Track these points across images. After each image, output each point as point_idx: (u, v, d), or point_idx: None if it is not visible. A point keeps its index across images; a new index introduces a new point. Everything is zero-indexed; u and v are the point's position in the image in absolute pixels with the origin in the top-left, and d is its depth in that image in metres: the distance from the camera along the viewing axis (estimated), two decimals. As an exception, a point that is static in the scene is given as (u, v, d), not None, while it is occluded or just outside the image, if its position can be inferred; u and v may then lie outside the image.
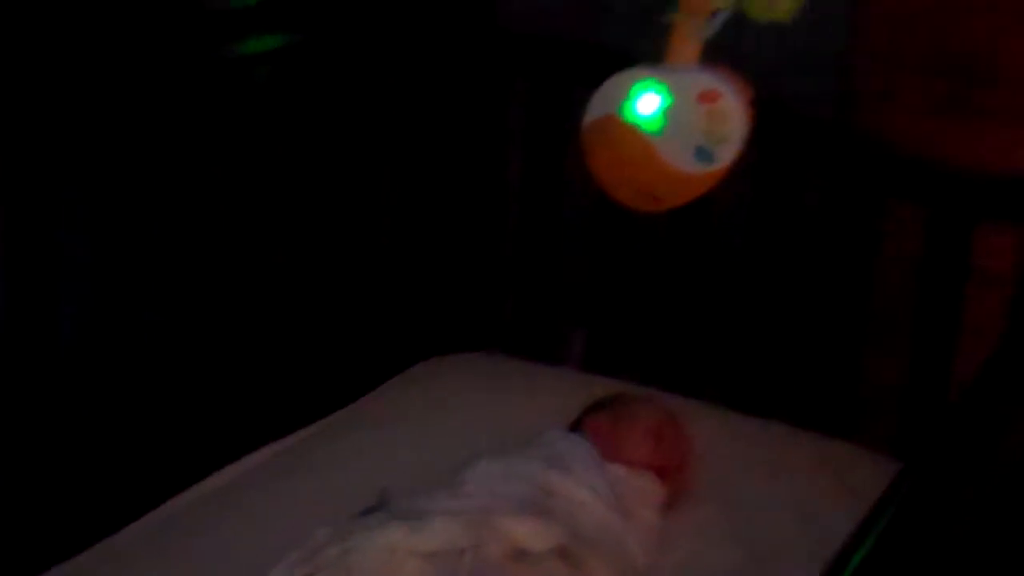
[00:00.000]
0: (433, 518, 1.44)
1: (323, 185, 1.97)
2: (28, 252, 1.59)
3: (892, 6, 1.99)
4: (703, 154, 1.31)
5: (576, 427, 1.71)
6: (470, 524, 1.44)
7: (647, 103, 1.32)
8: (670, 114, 1.31)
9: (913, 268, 1.88)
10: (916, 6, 1.99)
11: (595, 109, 1.36)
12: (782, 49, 1.33)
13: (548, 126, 2.08)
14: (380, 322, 2.10)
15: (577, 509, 1.52)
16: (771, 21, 1.28)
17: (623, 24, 2.17)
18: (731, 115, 1.29)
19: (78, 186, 1.62)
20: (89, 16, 1.58)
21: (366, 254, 2.06)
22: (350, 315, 2.05)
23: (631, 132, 1.32)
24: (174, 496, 1.70)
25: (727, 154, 1.31)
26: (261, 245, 1.89)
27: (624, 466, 1.61)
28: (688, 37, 1.32)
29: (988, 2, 1.94)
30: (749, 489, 1.71)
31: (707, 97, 1.30)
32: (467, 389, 1.95)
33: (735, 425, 1.88)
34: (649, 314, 2.14)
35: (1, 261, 1.56)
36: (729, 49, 1.32)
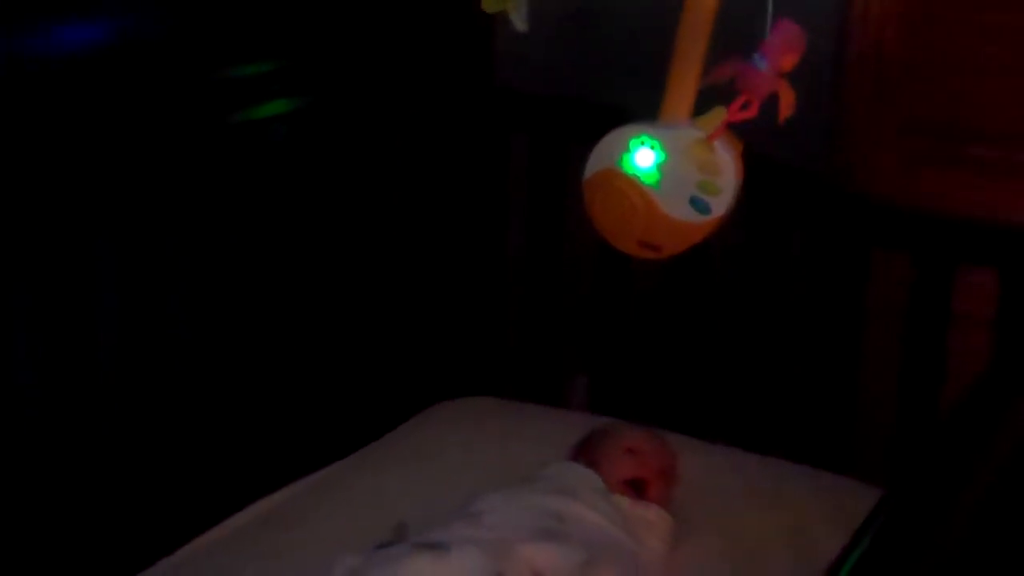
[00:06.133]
0: (454, 548, 1.49)
1: (335, 237, 2.04)
2: (63, 305, 1.66)
3: (873, 66, 2.09)
4: (698, 204, 1.38)
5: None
6: (490, 553, 1.49)
7: (644, 156, 1.39)
8: (666, 167, 1.38)
9: (901, 311, 1.95)
10: (896, 67, 2.09)
11: (595, 162, 1.43)
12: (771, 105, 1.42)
13: (549, 178, 2.16)
14: (392, 369, 2.17)
15: (590, 531, 1.58)
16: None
17: (617, 81, 2.27)
18: (723, 167, 1.36)
19: (110, 244, 1.70)
20: (118, 90, 1.67)
21: (377, 305, 2.14)
22: (364, 363, 2.12)
23: (631, 183, 1.38)
24: (196, 536, 1.77)
25: (721, 204, 1.37)
26: (281, 297, 1.96)
27: (628, 497, 1.68)
28: (681, 95, 1.41)
29: (965, 63, 2.04)
30: (749, 520, 1.77)
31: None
32: (476, 431, 2.01)
33: (734, 460, 1.95)
34: (650, 357, 2.22)
35: (38, 312, 1.64)
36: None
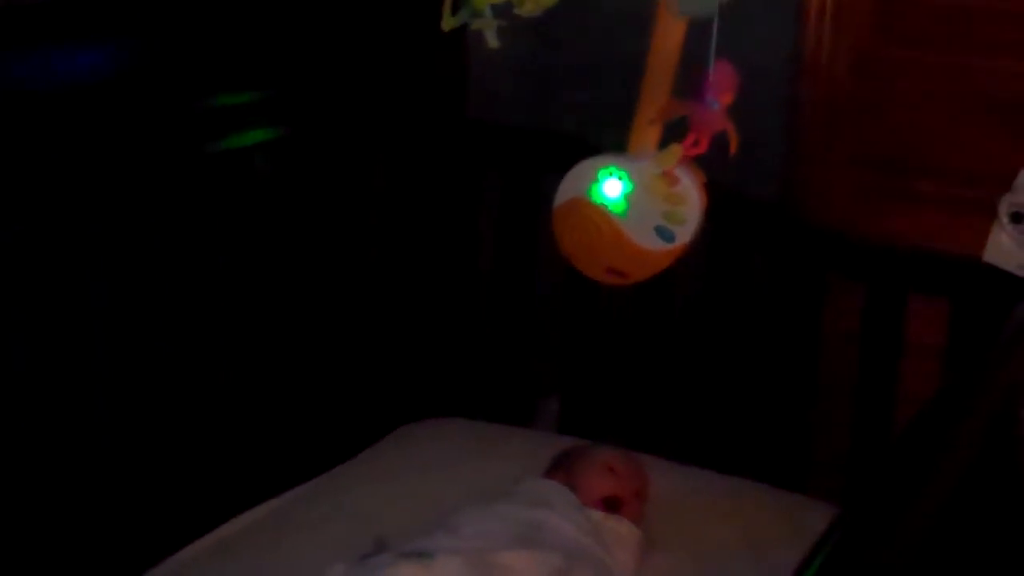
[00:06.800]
0: (437, 556, 1.55)
1: (312, 263, 2.09)
2: (58, 328, 1.71)
3: (823, 102, 2.17)
4: (664, 233, 1.42)
5: None
6: (472, 561, 1.55)
7: (612, 187, 1.44)
8: (632, 197, 1.43)
9: (854, 340, 2.01)
10: (844, 103, 2.17)
11: (564, 192, 1.47)
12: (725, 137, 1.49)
13: (519, 206, 2.22)
14: (364, 390, 2.21)
15: (565, 541, 1.64)
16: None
17: (585, 114, 2.34)
18: (687, 197, 1.41)
19: (98, 267, 1.74)
20: (101, 119, 1.71)
21: (353, 328, 2.18)
22: (340, 383, 2.16)
23: (599, 213, 1.43)
24: (179, 549, 1.81)
25: (685, 233, 1.42)
26: (260, 320, 2.01)
27: (601, 512, 1.74)
28: (648, 128, 1.47)
29: (913, 100, 2.13)
30: (713, 536, 1.83)
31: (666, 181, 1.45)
32: (449, 450, 2.06)
33: (697, 479, 2.01)
34: (618, 380, 2.27)
35: (35, 335, 1.68)
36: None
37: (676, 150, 1.40)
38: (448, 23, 1.36)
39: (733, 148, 1.39)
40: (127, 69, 1.75)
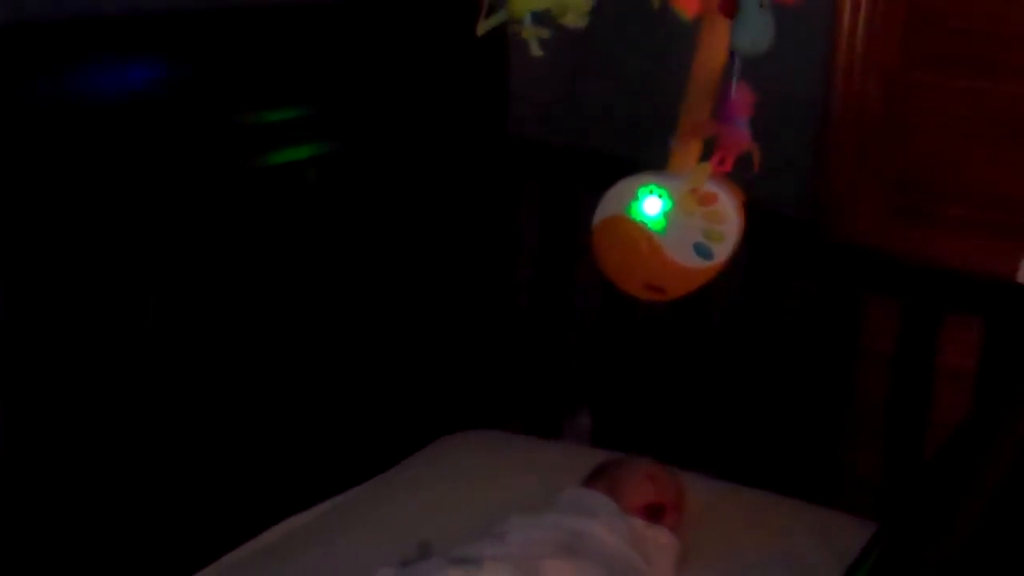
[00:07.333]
0: (486, 563, 1.58)
1: (360, 277, 2.11)
2: (111, 340, 1.74)
3: (854, 125, 2.19)
4: (702, 250, 1.45)
5: None
6: (519, 569, 1.57)
7: (652, 204, 1.46)
8: (672, 215, 1.45)
9: (888, 361, 2.03)
10: (875, 126, 2.18)
11: (605, 209, 1.50)
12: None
13: (558, 223, 2.24)
14: (403, 401, 2.23)
15: (607, 550, 1.66)
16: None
17: (626, 132, 2.37)
18: (726, 216, 1.43)
19: (152, 284, 1.77)
20: (152, 134, 1.74)
21: (395, 342, 2.20)
22: (381, 395, 2.19)
23: (638, 230, 1.46)
24: (224, 554, 1.85)
25: (723, 250, 1.45)
26: (305, 332, 2.03)
27: (642, 520, 1.76)
28: (688, 148, 1.50)
29: (941, 126, 2.14)
30: (746, 550, 1.85)
31: (705, 200, 1.45)
32: (486, 461, 2.09)
33: (731, 493, 2.03)
34: (653, 395, 2.29)
35: (88, 344, 1.72)
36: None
37: (706, 168, 1.43)
38: (482, 27, 1.38)
39: (756, 166, 1.42)
40: (180, 85, 1.78)
